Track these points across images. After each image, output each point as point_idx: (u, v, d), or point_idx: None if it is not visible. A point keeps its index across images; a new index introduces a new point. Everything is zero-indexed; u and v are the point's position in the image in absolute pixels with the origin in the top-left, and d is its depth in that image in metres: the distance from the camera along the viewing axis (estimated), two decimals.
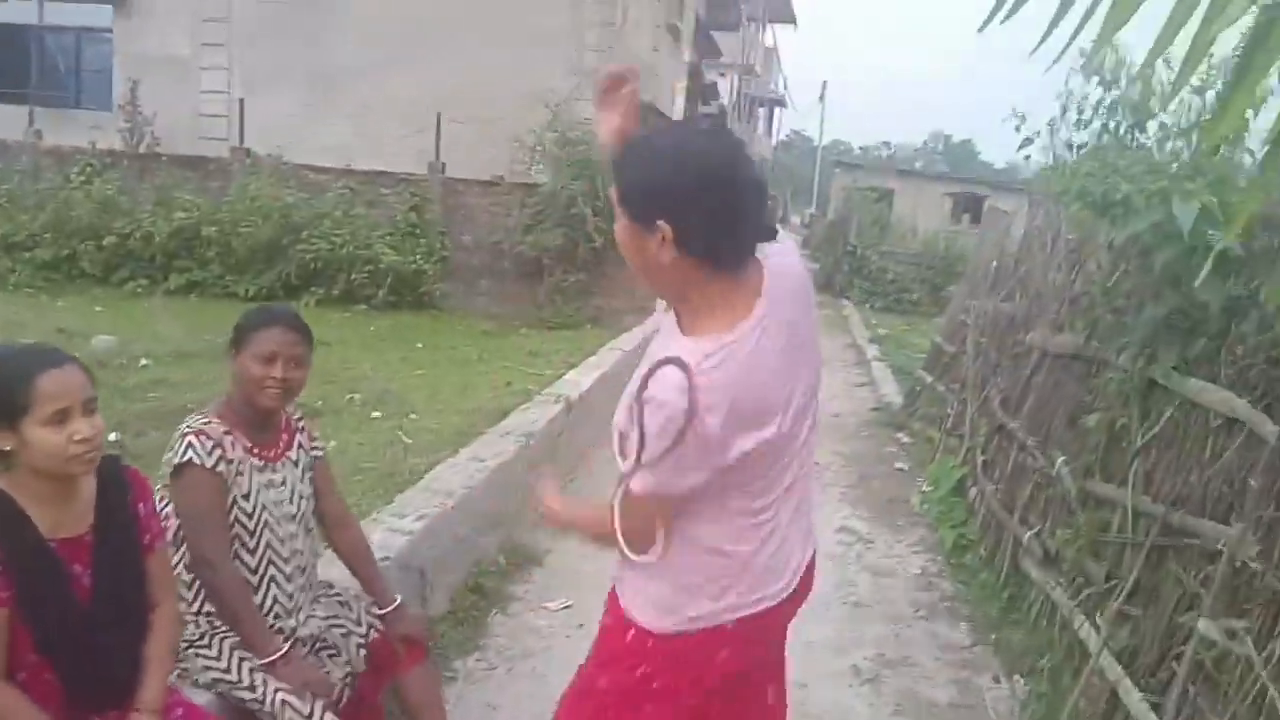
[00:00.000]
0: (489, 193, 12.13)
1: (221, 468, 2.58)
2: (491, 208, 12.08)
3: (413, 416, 6.61)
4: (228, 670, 2.51)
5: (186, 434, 2.58)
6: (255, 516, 2.67)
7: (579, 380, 7.25)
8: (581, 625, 4.16)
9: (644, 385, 1.78)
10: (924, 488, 6.65)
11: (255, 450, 2.70)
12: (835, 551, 5.56)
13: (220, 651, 2.54)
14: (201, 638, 2.58)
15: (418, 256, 11.69)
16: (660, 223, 1.76)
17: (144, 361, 7.59)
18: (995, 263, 7.50)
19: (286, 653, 2.55)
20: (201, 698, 2.51)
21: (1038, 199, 6.26)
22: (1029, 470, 5.12)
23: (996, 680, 4.18)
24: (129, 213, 11.80)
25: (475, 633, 4.03)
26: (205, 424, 2.61)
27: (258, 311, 2.77)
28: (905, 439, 8.29)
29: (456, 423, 6.28)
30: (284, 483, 2.75)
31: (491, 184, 12.10)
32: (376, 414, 6.74)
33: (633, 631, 2.03)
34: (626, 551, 1.97)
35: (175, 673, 2.56)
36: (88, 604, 2.08)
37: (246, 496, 2.65)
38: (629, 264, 1.90)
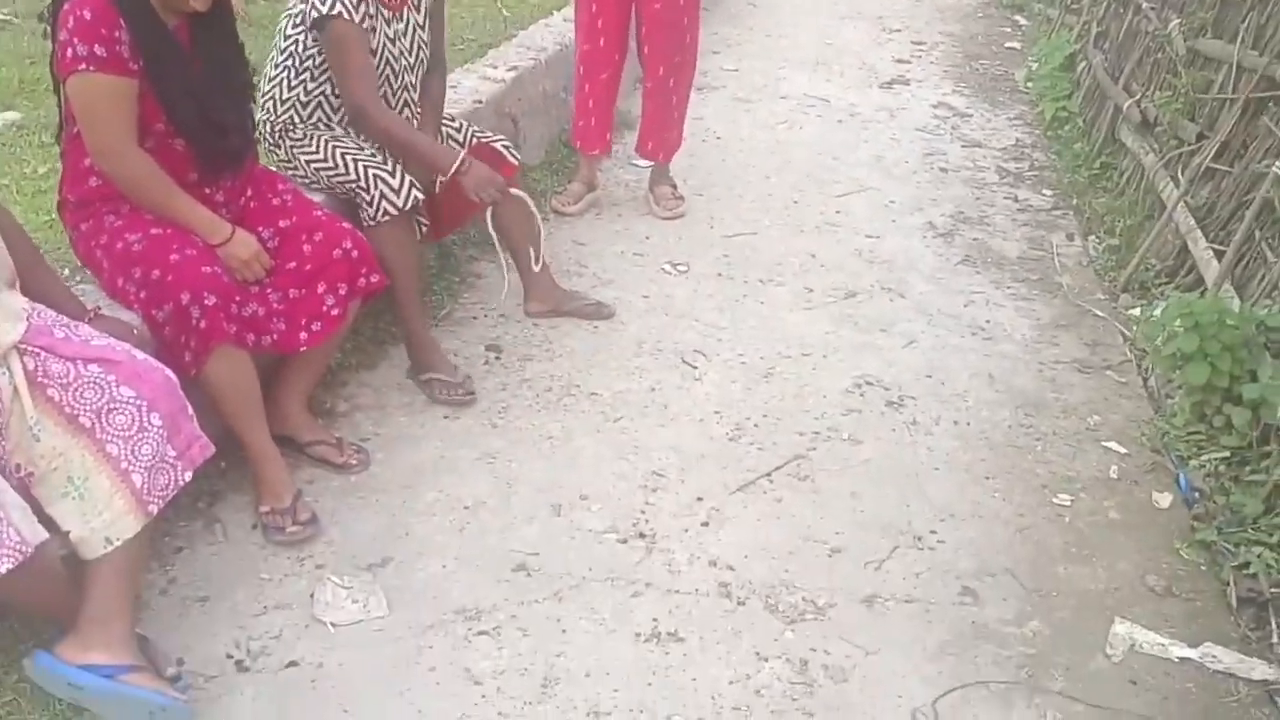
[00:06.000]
0: None
1: (365, 22, 2.68)
2: None
3: None
4: (325, 160, 2.76)
5: None
6: (380, 69, 2.79)
7: None
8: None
9: None
10: (1031, 63, 6.44)
11: (384, 0, 2.77)
12: (929, 125, 5.53)
13: (318, 146, 2.78)
14: (304, 137, 2.81)
15: None
16: None
17: None
18: None
19: (463, 163, 2.75)
20: (314, 198, 2.78)
21: None
22: (1141, 35, 4.91)
23: (1070, 238, 4.28)
24: None
25: (565, 180, 4.25)
26: None
27: None
28: (1023, 21, 7.88)
29: None
30: (406, 30, 2.85)
31: None
32: None
33: None
34: None
35: (286, 174, 2.84)
36: (200, 79, 2.26)
37: (374, 51, 2.75)
38: None
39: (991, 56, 6.96)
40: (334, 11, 2.63)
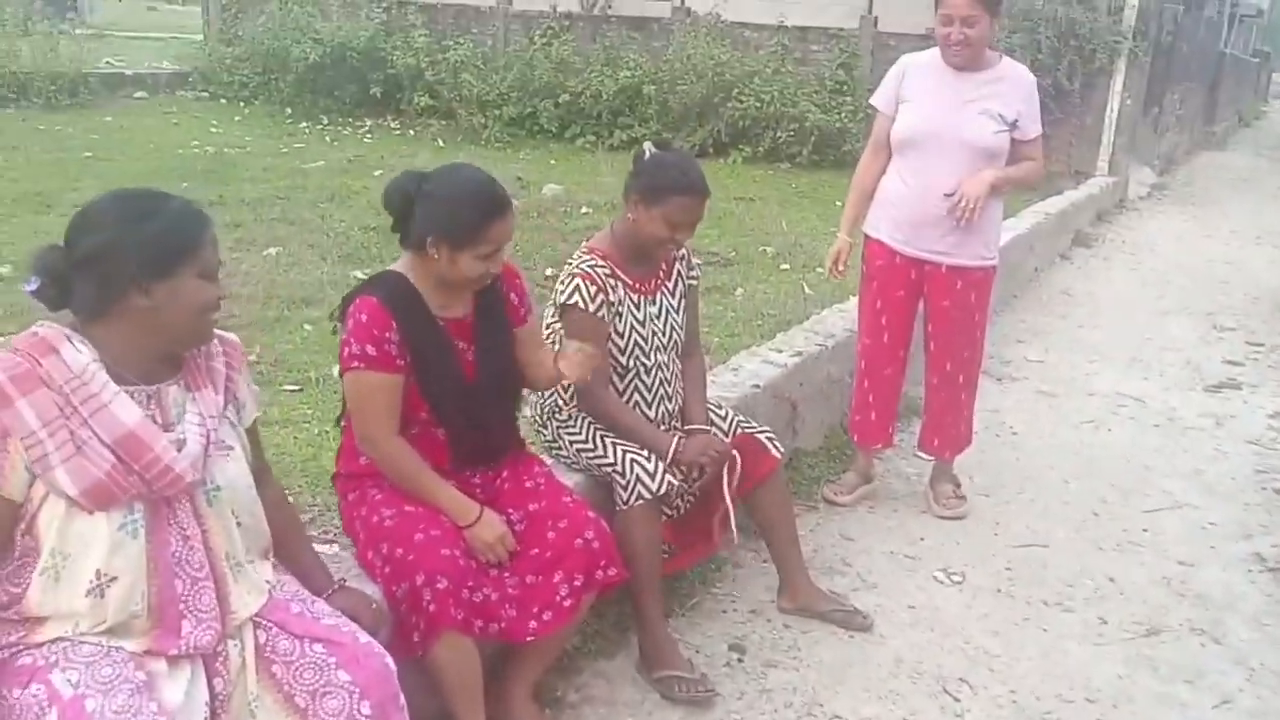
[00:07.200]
0: (922, 46, 11.57)
1: (603, 311, 2.81)
2: None
3: (819, 270, 6.69)
4: (586, 441, 2.83)
5: (575, 275, 2.82)
6: (627, 352, 2.90)
7: None
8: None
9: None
10: None
11: (636, 285, 2.90)
12: (1263, 437, 4.98)
13: (581, 428, 2.87)
14: (569, 419, 2.90)
15: (843, 115, 11.55)
16: None
17: (585, 209, 8.28)
18: None
19: (678, 443, 2.83)
20: (571, 480, 2.84)
21: None
22: None
23: None
24: (581, 73, 12.67)
25: (845, 469, 4.11)
26: (592, 266, 2.82)
27: (680, 175, 2.79)
28: None
29: (859, 265, 6.31)
30: (660, 314, 2.96)
31: (925, 37, 11.57)
32: (785, 266, 6.92)
33: (992, 271, 3.75)
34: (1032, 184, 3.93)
35: (551, 454, 2.93)
36: (471, 374, 2.42)
37: (621, 334, 2.88)
38: None
39: None
40: (570, 301, 2.78)
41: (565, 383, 2.73)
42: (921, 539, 3.74)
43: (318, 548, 2.87)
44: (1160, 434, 4.97)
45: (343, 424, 2.49)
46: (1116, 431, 4.96)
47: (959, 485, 4.00)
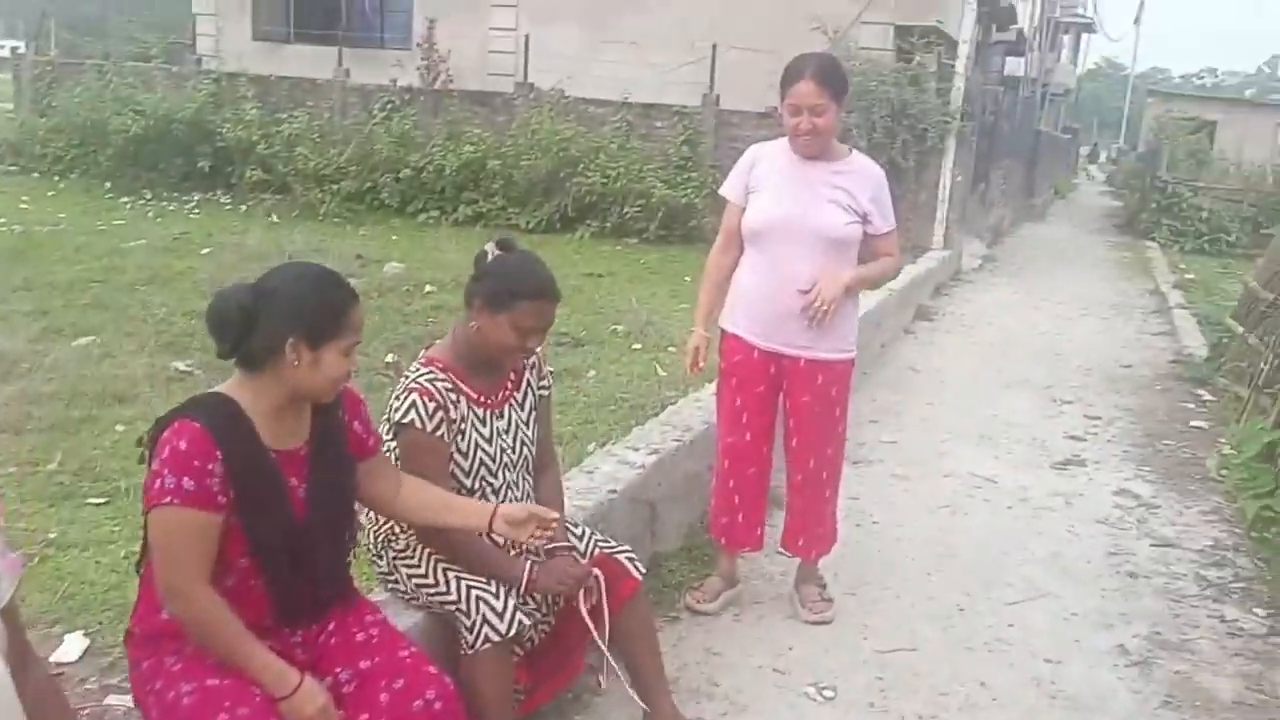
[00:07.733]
0: (763, 124, 11.82)
1: (442, 430, 2.54)
2: (765, 139, 11.80)
3: (671, 350, 6.57)
4: (426, 576, 2.53)
5: (412, 390, 2.54)
6: (472, 473, 2.64)
7: None
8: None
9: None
10: (1225, 450, 5.91)
11: (481, 399, 2.64)
12: (1111, 516, 5.03)
13: (420, 560, 2.57)
14: (406, 548, 2.60)
15: (689, 190, 11.63)
16: None
17: (429, 288, 7.98)
18: None
19: (532, 569, 2.57)
20: (410, 619, 2.54)
21: None
22: None
23: None
24: (423, 147, 12.42)
25: (707, 573, 3.91)
26: (431, 380, 2.55)
27: (529, 278, 2.58)
28: (1207, 396, 7.41)
29: (716, 358, 6.19)
30: (509, 429, 2.71)
31: (765, 115, 11.80)
32: (637, 346, 6.78)
33: (851, 363, 3.67)
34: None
35: (387, 587, 2.62)
36: (301, 516, 2.11)
37: (464, 453, 2.62)
38: None
39: (1176, 436, 6.46)
40: (406, 419, 2.51)
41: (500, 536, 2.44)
42: (790, 648, 3.55)
43: (115, 700, 2.51)
44: (1014, 516, 4.96)
45: (144, 573, 2.13)
46: (972, 515, 4.93)
47: (824, 586, 3.84)
